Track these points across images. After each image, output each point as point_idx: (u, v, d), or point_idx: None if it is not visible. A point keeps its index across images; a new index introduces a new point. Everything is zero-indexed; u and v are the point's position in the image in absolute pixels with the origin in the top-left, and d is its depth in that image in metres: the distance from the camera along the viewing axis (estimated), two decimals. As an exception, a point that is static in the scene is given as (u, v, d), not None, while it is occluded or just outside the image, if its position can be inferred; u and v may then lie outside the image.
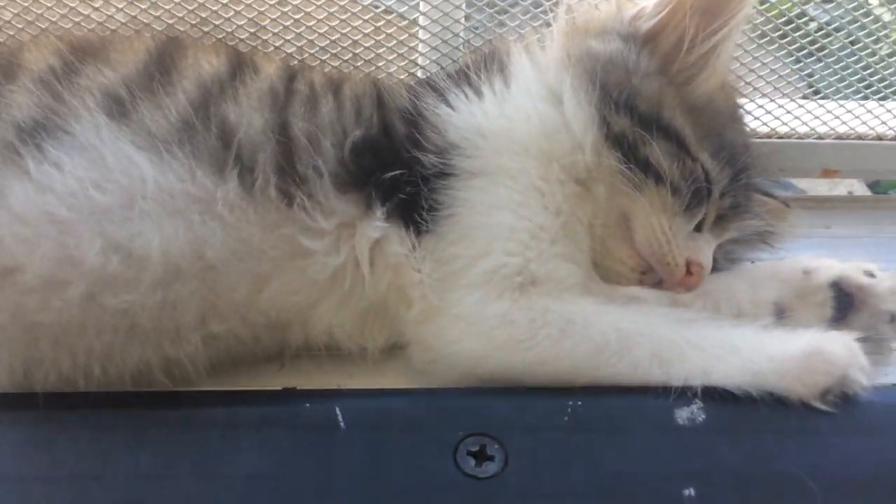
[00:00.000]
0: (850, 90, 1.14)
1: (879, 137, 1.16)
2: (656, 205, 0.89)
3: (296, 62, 1.04)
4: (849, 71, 1.11)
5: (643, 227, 0.89)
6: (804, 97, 1.13)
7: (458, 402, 0.81)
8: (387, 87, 0.95)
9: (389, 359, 0.89)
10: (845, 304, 0.91)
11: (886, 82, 1.13)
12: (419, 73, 1.10)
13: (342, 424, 0.78)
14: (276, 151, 0.84)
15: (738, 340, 0.83)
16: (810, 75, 1.12)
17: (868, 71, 1.12)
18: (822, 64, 1.13)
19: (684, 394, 0.79)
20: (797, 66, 1.13)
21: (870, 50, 1.11)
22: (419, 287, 0.85)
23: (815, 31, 1.11)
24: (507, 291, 0.84)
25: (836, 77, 1.11)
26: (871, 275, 0.92)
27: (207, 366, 0.86)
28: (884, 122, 1.15)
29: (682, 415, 0.79)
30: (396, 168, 0.86)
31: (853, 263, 0.94)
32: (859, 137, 1.16)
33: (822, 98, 1.14)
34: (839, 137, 1.16)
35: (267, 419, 0.79)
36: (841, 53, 1.11)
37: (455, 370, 0.84)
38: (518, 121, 0.89)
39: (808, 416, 0.79)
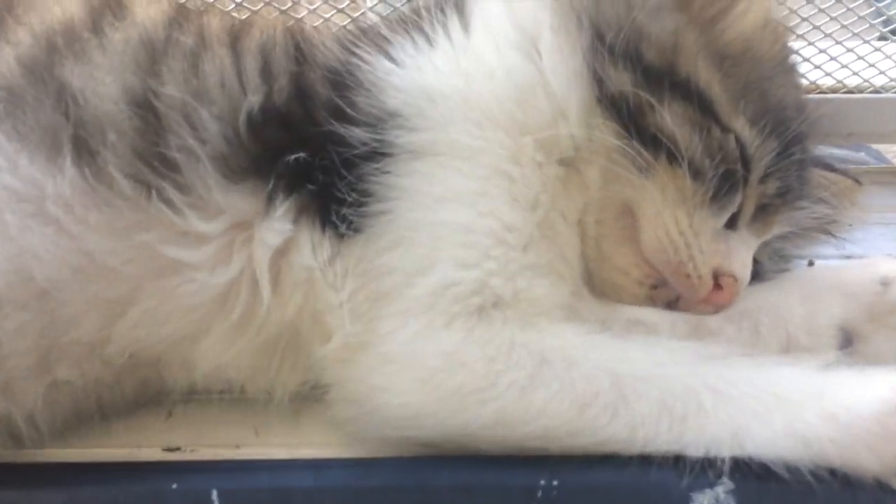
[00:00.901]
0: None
1: None
2: (670, 193, 0.66)
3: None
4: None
5: (653, 224, 0.67)
6: (881, 38, 0.86)
7: (383, 479, 0.59)
8: (309, 38, 0.72)
9: (307, 408, 0.67)
10: (942, 330, 0.68)
11: None
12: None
13: (217, 516, 0.55)
14: (132, 128, 0.62)
15: (783, 388, 0.59)
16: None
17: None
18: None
19: (705, 469, 0.57)
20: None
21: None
22: (339, 313, 0.64)
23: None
24: (459, 319, 0.62)
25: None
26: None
27: (64, 420, 0.65)
28: None
29: (702, 501, 0.57)
30: (309, 148, 0.63)
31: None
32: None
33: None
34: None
35: (120, 506, 0.57)
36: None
37: (384, 429, 0.62)
38: (478, 79, 0.67)
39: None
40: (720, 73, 0.67)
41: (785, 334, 0.68)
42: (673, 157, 0.64)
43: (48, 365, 0.62)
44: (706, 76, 0.66)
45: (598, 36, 0.65)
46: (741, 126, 0.66)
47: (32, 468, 0.62)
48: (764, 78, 0.69)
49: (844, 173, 0.84)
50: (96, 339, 0.62)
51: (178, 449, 0.66)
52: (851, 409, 0.57)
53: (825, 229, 0.83)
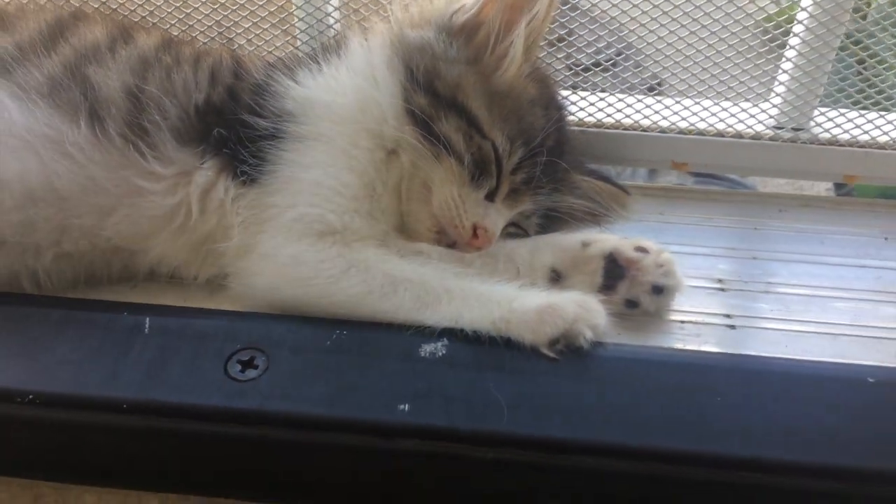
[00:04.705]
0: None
1: (720, 134, 1.26)
2: (449, 175, 1.03)
3: (176, 36, 1.22)
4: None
5: (438, 194, 1.04)
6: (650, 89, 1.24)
7: (245, 323, 0.98)
8: (246, 63, 1.12)
9: (221, 287, 1.06)
10: (616, 274, 1.04)
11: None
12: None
13: (146, 330, 0.96)
14: (125, 107, 1.02)
15: (491, 294, 0.97)
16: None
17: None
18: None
19: (435, 333, 0.95)
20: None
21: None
22: (238, 228, 1.02)
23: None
24: (307, 237, 1.00)
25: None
26: (644, 250, 1.04)
27: (68, 279, 1.06)
28: (722, 120, 1.26)
29: (426, 348, 0.94)
30: (231, 128, 1.04)
31: (630, 240, 1.05)
32: (701, 133, 1.26)
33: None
34: (682, 132, 1.26)
35: (92, 322, 0.97)
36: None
37: (257, 298, 1.01)
38: (340, 94, 1.05)
39: (531, 359, 0.93)
40: (491, 104, 1.02)
41: (515, 269, 1.03)
42: (449, 151, 1.02)
43: (59, 241, 1.02)
44: (477, 104, 1.02)
45: (411, 73, 1.02)
46: (496, 136, 1.01)
47: (45, 298, 1.03)
48: (521, 108, 1.04)
49: (614, 184, 1.20)
50: (91, 230, 1.01)
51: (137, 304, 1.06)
52: (526, 305, 0.93)
53: (595, 220, 1.18)
